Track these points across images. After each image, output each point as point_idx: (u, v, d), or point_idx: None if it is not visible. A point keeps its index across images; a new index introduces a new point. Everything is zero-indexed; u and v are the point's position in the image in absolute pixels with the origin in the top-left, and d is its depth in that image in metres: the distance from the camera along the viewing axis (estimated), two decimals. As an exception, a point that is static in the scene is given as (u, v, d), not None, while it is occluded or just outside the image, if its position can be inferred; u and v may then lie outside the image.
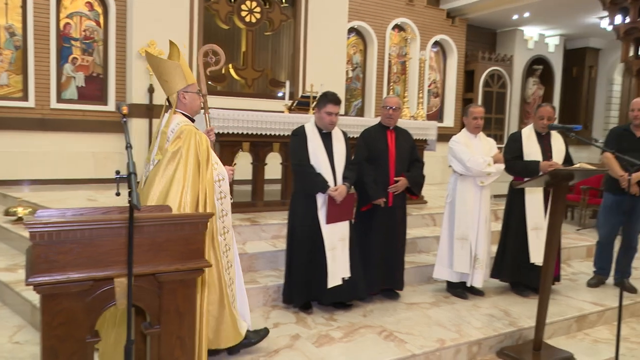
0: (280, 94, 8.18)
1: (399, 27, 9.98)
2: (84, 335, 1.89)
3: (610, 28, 7.57)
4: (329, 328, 3.56)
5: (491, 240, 4.41)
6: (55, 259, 1.82)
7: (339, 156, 3.76)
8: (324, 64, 8.35)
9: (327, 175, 3.68)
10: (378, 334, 3.48)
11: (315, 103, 3.78)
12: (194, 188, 2.65)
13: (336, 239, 3.74)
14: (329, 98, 3.66)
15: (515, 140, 4.35)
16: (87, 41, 7.08)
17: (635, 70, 7.24)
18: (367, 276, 3.94)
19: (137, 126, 7.17)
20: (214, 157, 2.88)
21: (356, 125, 5.45)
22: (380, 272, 4.02)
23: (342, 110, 8.66)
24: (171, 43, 2.99)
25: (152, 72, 6.93)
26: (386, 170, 3.96)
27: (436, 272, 4.36)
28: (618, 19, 7.31)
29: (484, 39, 11.94)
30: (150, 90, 7.12)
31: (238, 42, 8.15)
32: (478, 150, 4.19)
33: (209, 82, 7.78)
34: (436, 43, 10.71)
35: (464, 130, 4.37)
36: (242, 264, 4.25)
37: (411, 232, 5.21)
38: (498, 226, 4.94)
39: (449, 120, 10.89)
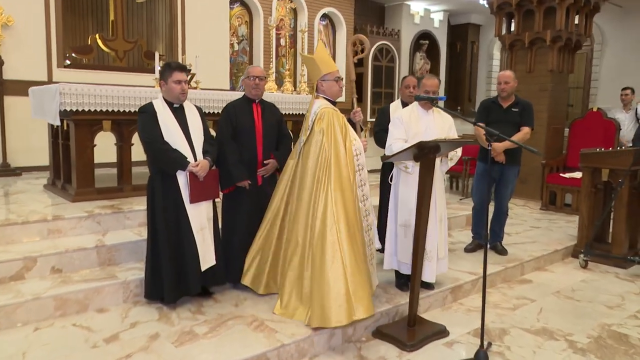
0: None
1: (286, -1, 9.66)
2: None
3: (484, 2, 7.78)
4: (195, 323, 3.25)
5: (447, 227, 3.95)
6: None
7: (196, 130, 3.44)
8: (205, 35, 7.82)
9: (185, 151, 3.34)
10: (248, 325, 3.23)
11: (160, 75, 3.38)
12: (341, 156, 3.26)
13: (204, 218, 3.44)
14: (174, 66, 3.34)
15: (384, 113, 4.31)
16: None
17: (508, 44, 7.53)
18: (236, 262, 3.66)
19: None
20: (353, 134, 3.39)
21: (218, 99, 5.07)
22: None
23: (227, 84, 8.23)
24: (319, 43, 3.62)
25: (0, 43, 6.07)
26: (253, 147, 3.66)
27: (386, 263, 3.88)
28: (492, -6, 7.52)
29: (373, 13, 11.98)
30: (0, 63, 6.19)
31: (106, 10, 7.37)
32: (429, 129, 3.66)
33: (73, 54, 6.98)
34: (325, 16, 10.53)
35: (415, 103, 3.80)
36: (99, 257, 3.84)
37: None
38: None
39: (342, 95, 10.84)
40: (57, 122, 4.56)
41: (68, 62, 6.86)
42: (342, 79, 3.49)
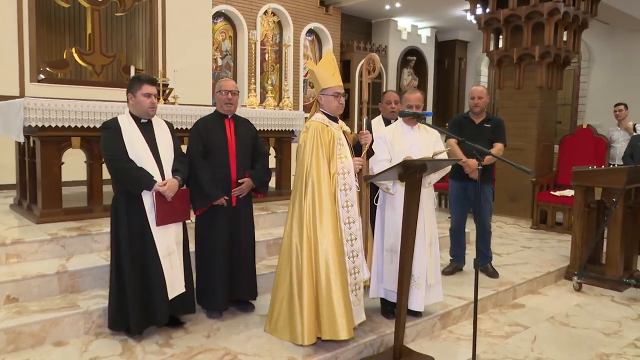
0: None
1: (271, 13, 9.50)
2: None
3: (471, 18, 7.69)
4: (160, 358, 2.96)
5: (438, 251, 3.71)
6: None
7: (165, 147, 3.19)
8: (186, 50, 7.61)
9: (152, 170, 3.09)
10: (219, 360, 2.96)
11: (128, 88, 3.15)
12: (316, 176, 3.07)
13: (172, 242, 3.18)
14: (143, 79, 3.13)
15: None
16: None
17: (496, 60, 7.41)
18: (213, 289, 3.40)
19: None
20: (345, 152, 3.17)
21: (196, 115, 4.82)
22: (227, 282, 3.48)
23: (209, 100, 8.01)
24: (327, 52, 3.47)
25: None
26: (226, 165, 3.41)
27: (371, 291, 3.62)
28: (479, 10, 7.43)
29: (360, 29, 11.88)
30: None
31: (83, 24, 7.14)
32: (414, 146, 3.48)
33: (47, 69, 6.73)
34: (311, 31, 10.40)
35: (399, 120, 3.64)
36: (61, 285, 3.55)
37: (275, 232, 4.77)
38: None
39: (327, 111, 10.65)
40: (21, 139, 4.30)
41: (42, 76, 6.60)
42: (342, 95, 3.26)
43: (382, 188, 3.45)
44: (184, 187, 3.28)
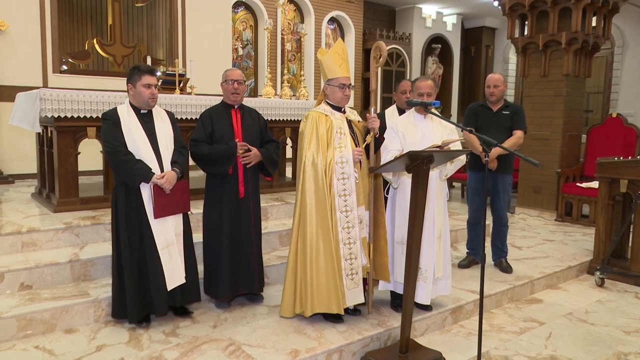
0: (158, 73, 7.36)
1: (291, 2, 9.42)
2: None
3: (496, 4, 7.45)
4: (166, 347, 2.99)
5: (448, 244, 3.61)
6: None
7: (165, 138, 3.17)
8: (206, 40, 7.62)
9: (150, 161, 3.08)
10: (223, 350, 2.96)
11: (127, 79, 3.14)
12: (313, 164, 3.14)
13: (170, 234, 3.18)
14: (144, 69, 3.10)
15: (380, 118, 3.94)
16: None
17: (521, 47, 7.17)
18: (220, 278, 3.40)
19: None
20: (345, 142, 3.16)
21: (203, 105, 4.82)
22: (232, 274, 3.48)
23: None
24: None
25: None
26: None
27: (381, 283, 3.58)
28: (504, -5, 7.19)
29: (383, 17, 11.69)
30: (-7, 68, 6.06)
31: (105, 15, 7.22)
32: (426, 136, 3.39)
33: (69, 60, 6.83)
34: (333, 20, 10.27)
35: (412, 109, 3.55)
36: (73, 273, 3.61)
37: (288, 223, 4.75)
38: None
39: (349, 100, 10.53)
40: (37, 129, 4.37)
41: (64, 67, 6.71)
42: (347, 86, 3.24)
43: (387, 179, 3.38)
44: (184, 179, 3.27)
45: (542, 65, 6.98)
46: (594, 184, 6.35)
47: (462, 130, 3.25)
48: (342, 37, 10.59)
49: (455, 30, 12.50)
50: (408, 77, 11.51)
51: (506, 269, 4.53)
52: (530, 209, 7.18)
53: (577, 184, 6.73)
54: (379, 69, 10.49)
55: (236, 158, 3.38)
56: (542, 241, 5.72)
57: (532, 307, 4.12)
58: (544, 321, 3.84)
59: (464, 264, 4.60)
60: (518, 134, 4.39)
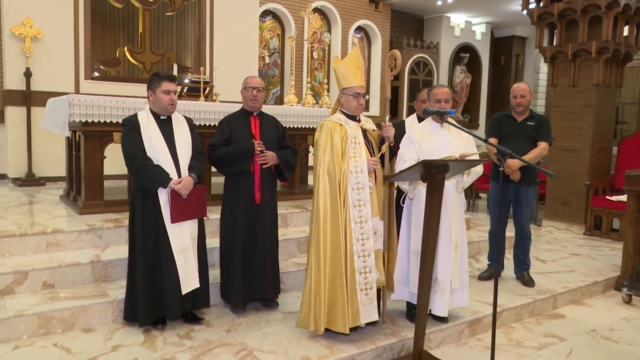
0: (185, 80, 7.52)
1: (318, 11, 9.50)
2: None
3: (525, 12, 7.34)
4: (179, 349, 3.03)
5: (466, 255, 3.57)
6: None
7: (183, 144, 3.23)
8: (233, 48, 7.75)
9: (168, 167, 3.14)
10: (234, 355, 2.98)
11: (147, 85, 3.22)
12: (328, 174, 3.10)
13: (186, 239, 3.23)
14: (163, 75, 3.17)
15: (399, 128, 3.89)
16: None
17: (549, 56, 7.04)
18: (235, 284, 3.43)
19: (13, 116, 6.36)
20: (359, 151, 3.12)
21: (219, 112, 4.88)
22: (244, 279, 3.50)
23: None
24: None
25: (29, 55, 6.29)
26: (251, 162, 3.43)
27: (396, 292, 3.52)
28: (532, 4, 7.09)
29: (410, 26, 11.65)
30: (27, 74, 6.29)
31: (136, 23, 7.42)
32: (442, 145, 3.36)
33: (101, 67, 7.04)
34: (360, 29, 10.30)
35: (429, 118, 3.51)
36: (94, 274, 3.70)
37: (307, 230, 4.75)
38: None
39: (374, 109, 10.53)
40: (66, 133, 4.52)
41: (96, 74, 6.92)
42: (362, 96, 3.21)
43: (402, 189, 3.36)
44: (200, 184, 3.32)
45: (571, 75, 6.84)
46: (624, 197, 6.15)
47: (486, 140, 3.19)
48: (369, 46, 10.59)
49: (485, 39, 12.35)
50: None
51: (528, 282, 4.42)
52: (558, 222, 7.01)
53: (607, 197, 6.54)
54: (406, 78, 10.36)
55: (254, 161, 3.42)
56: (568, 255, 5.58)
57: (554, 323, 4.01)
58: (565, 337, 3.73)
59: (484, 276, 4.53)
60: (542, 145, 4.30)
